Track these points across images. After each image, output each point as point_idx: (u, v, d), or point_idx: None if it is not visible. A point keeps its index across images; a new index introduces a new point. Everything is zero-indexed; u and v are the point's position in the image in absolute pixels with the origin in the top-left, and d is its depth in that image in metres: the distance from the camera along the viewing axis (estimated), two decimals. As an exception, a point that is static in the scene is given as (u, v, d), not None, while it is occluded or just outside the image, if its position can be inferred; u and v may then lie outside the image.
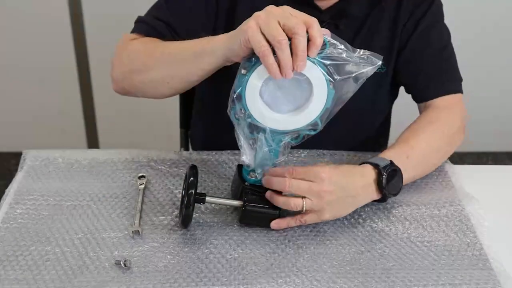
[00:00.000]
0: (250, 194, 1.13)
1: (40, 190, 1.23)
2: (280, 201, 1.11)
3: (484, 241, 1.14)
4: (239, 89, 1.04)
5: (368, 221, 1.18)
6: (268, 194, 1.12)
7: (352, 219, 1.19)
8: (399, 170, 1.19)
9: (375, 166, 1.17)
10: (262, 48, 0.98)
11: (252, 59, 1.03)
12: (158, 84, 1.23)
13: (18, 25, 2.57)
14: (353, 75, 1.04)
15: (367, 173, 1.17)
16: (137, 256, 1.09)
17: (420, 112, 1.39)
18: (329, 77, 1.03)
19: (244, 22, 1.02)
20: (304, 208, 1.11)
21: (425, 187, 1.28)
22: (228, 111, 1.07)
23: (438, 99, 1.36)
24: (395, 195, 1.20)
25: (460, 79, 1.39)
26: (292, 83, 1.04)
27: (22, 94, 2.72)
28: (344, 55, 1.02)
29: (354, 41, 1.00)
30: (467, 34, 2.62)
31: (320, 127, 1.08)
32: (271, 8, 1.02)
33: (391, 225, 1.18)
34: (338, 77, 1.03)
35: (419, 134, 1.27)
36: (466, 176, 1.31)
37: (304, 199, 1.11)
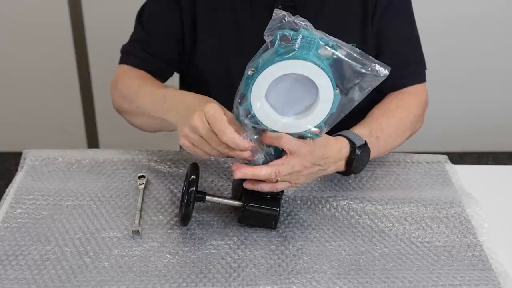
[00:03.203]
0: (250, 194, 1.13)
1: (40, 190, 1.23)
2: (266, 188, 1.11)
3: (484, 242, 1.14)
4: (245, 90, 1.04)
5: (368, 221, 1.18)
6: (249, 184, 1.11)
7: (352, 220, 1.19)
8: (369, 151, 1.22)
9: (352, 144, 1.20)
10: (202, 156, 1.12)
11: (260, 60, 1.03)
12: (140, 126, 1.40)
13: (18, 25, 2.57)
14: (359, 82, 1.04)
15: (343, 149, 1.19)
16: (137, 256, 1.09)
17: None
18: (336, 83, 1.03)
19: (179, 131, 1.14)
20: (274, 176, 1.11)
21: (425, 187, 1.28)
22: (232, 112, 1.07)
23: (408, 87, 1.41)
24: (356, 173, 1.24)
25: (425, 67, 1.45)
26: (299, 87, 1.04)
27: (22, 94, 2.72)
28: (352, 61, 1.03)
29: (317, 22, 1.01)
30: (467, 34, 2.63)
31: (324, 131, 1.09)
32: (192, 122, 1.08)
33: (391, 226, 1.18)
34: (345, 85, 1.04)
35: (389, 118, 1.32)
36: (466, 176, 1.31)
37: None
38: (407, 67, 1.39)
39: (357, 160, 1.20)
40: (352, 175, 1.29)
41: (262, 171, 1.09)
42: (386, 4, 1.37)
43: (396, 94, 1.39)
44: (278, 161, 1.10)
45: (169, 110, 1.20)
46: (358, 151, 1.19)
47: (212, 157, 1.19)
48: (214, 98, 1.27)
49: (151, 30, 1.42)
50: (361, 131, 1.24)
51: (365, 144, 1.21)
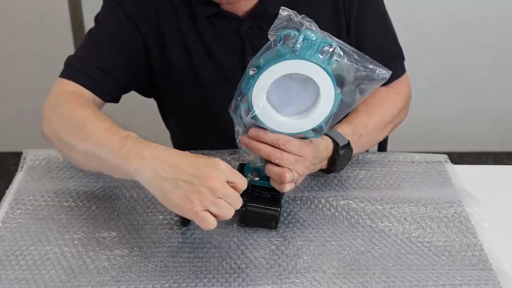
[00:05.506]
0: (251, 194, 1.13)
1: (40, 190, 1.23)
2: (275, 171, 1.10)
3: (484, 241, 1.14)
4: (246, 89, 1.04)
5: (368, 221, 1.18)
6: (268, 166, 1.11)
7: (352, 219, 1.19)
8: (352, 151, 1.23)
9: (335, 144, 1.21)
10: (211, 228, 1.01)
11: (261, 60, 1.03)
12: (76, 162, 1.20)
13: (18, 25, 2.57)
14: (359, 84, 1.05)
15: (328, 148, 1.20)
16: (137, 256, 1.09)
17: None
18: (337, 83, 1.03)
19: (182, 196, 1.00)
20: (294, 179, 1.12)
21: (425, 187, 1.28)
22: (231, 110, 1.07)
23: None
24: (338, 171, 1.25)
25: (404, 58, 1.43)
26: (300, 87, 1.04)
27: (22, 94, 2.72)
28: (353, 63, 1.03)
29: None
30: (467, 33, 2.63)
31: (324, 131, 1.09)
32: (212, 183, 0.99)
33: (391, 226, 1.18)
34: (345, 86, 1.05)
35: (373, 115, 1.32)
36: (466, 176, 1.31)
37: (292, 171, 1.11)
38: (388, 65, 1.38)
39: (340, 160, 1.21)
40: (352, 175, 1.29)
41: (287, 178, 1.10)
42: (358, 4, 1.34)
43: (380, 89, 1.38)
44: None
45: (130, 158, 1.04)
46: (341, 151, 1.20)
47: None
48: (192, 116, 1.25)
49: (103, 45, 1.31)
50: (345, 129, 1.24)
51: (348, 143, 1.22)
